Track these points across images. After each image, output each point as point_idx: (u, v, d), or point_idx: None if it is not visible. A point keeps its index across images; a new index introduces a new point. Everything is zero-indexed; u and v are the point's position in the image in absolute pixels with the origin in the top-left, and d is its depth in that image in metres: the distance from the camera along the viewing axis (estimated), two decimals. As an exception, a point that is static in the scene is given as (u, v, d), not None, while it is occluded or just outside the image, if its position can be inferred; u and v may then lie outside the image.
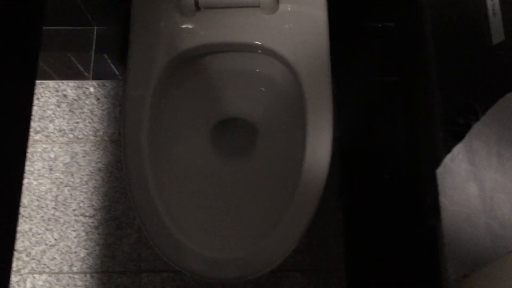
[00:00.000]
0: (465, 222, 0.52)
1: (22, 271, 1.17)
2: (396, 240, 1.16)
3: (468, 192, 0.51)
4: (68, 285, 1.16)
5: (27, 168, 1.23)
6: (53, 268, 1.17)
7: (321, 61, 0.90)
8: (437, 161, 0.59)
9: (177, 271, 1.16)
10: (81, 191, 1.22)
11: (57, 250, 1.19)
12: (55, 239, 1.19)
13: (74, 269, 1.17)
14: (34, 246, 1.19)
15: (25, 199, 1.21)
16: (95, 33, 1.33)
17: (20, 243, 1.18)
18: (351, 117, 1.24)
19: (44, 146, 1.25)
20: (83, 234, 1.20)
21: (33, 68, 0.93)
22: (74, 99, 1.29)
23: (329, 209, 1.19)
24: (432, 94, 0.62)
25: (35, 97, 1.27)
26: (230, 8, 0.91)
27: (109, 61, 1.33)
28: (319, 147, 0.86)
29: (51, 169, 1.24)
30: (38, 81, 1.29)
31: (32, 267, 1.17)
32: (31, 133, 1.25)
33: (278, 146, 1.02)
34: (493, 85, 0.52)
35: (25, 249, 1.18)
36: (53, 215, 1.21)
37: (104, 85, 1.30)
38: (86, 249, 1.19)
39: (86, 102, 1.28)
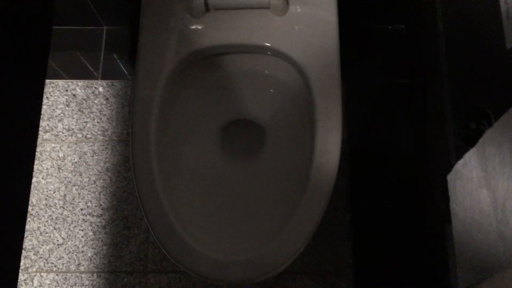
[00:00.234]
0: (477, 229, 0.52)
1: (30, 270, 1.17)
2: (405, 244, 1.15)
3: (480, 199, 0.50)
4: (75, 284, 1.16)
5: (35, 167, 1.24)
6: (60, 267, 1.18)
7: (331, 63, 0.89)
8: (448, 166, 0.58)
9: (183, 272, 1.16)
10: (89, 191, 1.23)
11: (65, 249, 1.19)
12: (63, 238, 1.20)
13: (81, 268, 1.18)
14: (42, 244, 1.19)
15: (33, 198, 1.22)
16: (104, 32, 1.33)
17: (28, 242, 1.19)
18: (360, 119, 1.23)
19: (53, 145, 1.26)
20: (90, 233, 1.20)
21: (43, 67, 0.93)
22: (83, 99, 1.29)
23: (337, 212, 1.18)
24: (443, 97, 0.61)
25: (44, 96, 1.28)
26: (239, 9, 0.91)
27: (118, 60, 1.33)
28: (328, 150, 0.85)
29: (59, 168, 1.24)
30: (47, 80, 1.29)
31: (39, 265, 1.18)
32: (40, 132, 1.25)
33: (286, 148, 1.01)
34: (507, 90, 0.51)
35: (32, 248, 1.19)
36: (61, 214, 1.21)
37: (113, 85, 1.30)
38: (94, 248, 1.19)
39: (95, 101, 1.29)
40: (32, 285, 1.16)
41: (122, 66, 1.33)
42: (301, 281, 1.16)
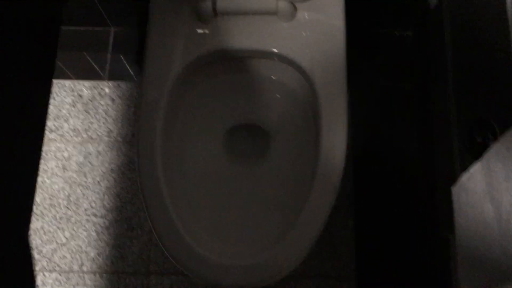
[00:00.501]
0: (480, 242, 0.52)
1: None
2: (408, 250, 1.15)
3: (484, 212, 0.50)
4: (77, 284, 1.17)
5: (40, 166, 1.24)
6: (63, 266, 1.18)
7: (337, 70, 0.89)
8: (453, 176, 0.58)
9: (186, 274, 1.16)
10: (93, 191, 1.23)
11: (68, 249, 1.19)
12: (66, 238, 1.20)
13: (84, 268, 1.18)
14: (45, 244, 1.20)
15: (37, 197, 1.22)
16: (112, 33, 1.34)
17: (32, 241, 1.20)
18: (365, 125, 1.23)
19: (58, 145, 1.26)
20: (94, 234, 1.20)
21: (50, 67, 0.94)
22: (89, 99, 1.29)
23: (340, 216, 1.19)
24: (449, 107, 0.61)
25: (51, 96, 1.29)
26: (247, 15, 0.91)
27: (125, 62, 1.33)
28: (333, 155, 0.85)
29: (64, 168, 1.25)
30: (54, 80, 1.30)
31: (42, 265, 1.18)
32: (46, 132, 1.26)
33: (291, 153, 1.02)
34: (513, 104, 0.51)
35: (36, 247, 1.20)
36: (65, 214, 1.22)
37: (119, 86, 1.31)
38: (97, 249, 1.19)
39: (101, 102, 1.29)
40: (35, 284, 1.17)
41: (128, 67, 1.33)
42: (304, 285, 1.16)
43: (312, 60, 0.90)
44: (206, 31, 0.92)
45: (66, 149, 1.26)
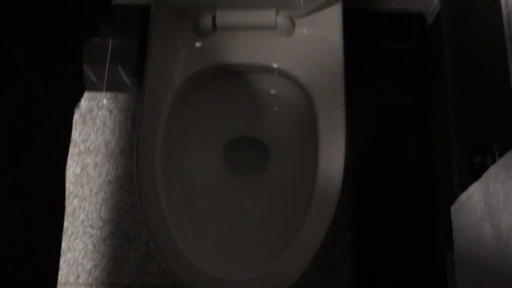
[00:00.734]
0: (479, 262, 0.52)
1: (29, 281, 1.17)
2: (406, 265, 1.15)
3: (483, 232, 0.51)
4: (73, 296, 1.16)
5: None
6: (59, 278, 1.17)
7: (336, 85, 0.90)
8: (452, 196, 0.59)
9: (183, 287, 1.16)
10: (90, 203, 1.23)
11: (64, 260, 1.19)
12: (63, 250, 1.19)
13: (80, 280, 1.18)
14: (42, 256, 1.19)
15: (34, 209, 1.22)
16: (110, 45, 1.34)
17: (28, 253, 1.19)
18: (364, 140, 1.23)
19: (56, 156, 1.26)
20: (90, 245, 1.20)
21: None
22: (87, 110, 1.29)
23: (338, 230, 1.19)
24: (450, 128, 0.62)
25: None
26: (247, 29, 0.92)
27: (122, 73, 1.33)
28: (331, 170, 0.86)
29: (61, 180, 1.24)
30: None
31: (38, 277, 1.18)
32: (43, 143, 1.26)
33: (289, 167, 1.02)
34: (510, 126, 0.52)
35: (32, 259, 1.19)
36: (62, 225, 1.21)
37: (117, 97, 1.31)
38: (93, 261, 1.19)
39: (99, 113, 1.29)
40: (31, 297, 1.16)
41: (126, 79, 1.33)
42: (300, 299, 1.16)
43: (311, 74, 0.90)
44: (206, 46, 0.92)
45: (63, 161, 1.25)
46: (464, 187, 0.55)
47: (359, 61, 1.24)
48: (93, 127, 1.28)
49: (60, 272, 1.18)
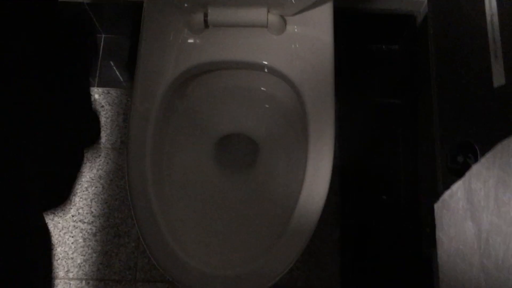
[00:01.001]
0: (461, 259, 0.53)
1: (18, 275, 1.18)
2: (393, 262, 1.17)
3: (465, 230, 0.52)
4: (63, 290, 1.17)
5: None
6: (49, 273, 1.18)
7: (326, 83, 0.91)
8: (436, 194, 0.60)
9: (172, 282, 1.16)
10: (81, 197, 1.23)
11: (54, 255, 1.19)
12: (53, 244, 1.20)
13: (70, 275, 1.18)
14: (32, 250, 1.19)
15: (25, 203, 1.22)
16: (102, 40, 1.34)
17: (18, 247, 1.19)
18: (352, 137, 1.25)
19: (47, 150, 1.26)
20: (80, 240, 1.20)
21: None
22: (79, 106, 1.30)
23: (326, 228, 1.20)
24: (434, 127, 0.63)
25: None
26: (238, 27, 0.92)
27: (115, 68, 1.34)
28: (320, 168, 0.87)
29: (52, 174, 1.24)
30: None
31: (28, 271, 1.18)
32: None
33: (279, 163, 1.03)
34: (493, 126, 0.53)
35: (22, 253, 1.19)
36: (52, 220, 1.21)
37: (109, 92, 1.31)
38: (83, 255, 1.19)
39: (91, 109, 1.29)
40: (20, 290, 1.16)
41: (118, 74, 1.34)
42: (289, 295, 1.17)
43: (301, 72, 0.91)
44: (198, 42, 0.93)
45: (54, 155, 1.26)
46: (447, 186, 0.56)
47: (350, 61, 1.25)
48: (84, 122, 1.28)
49: (49, 266, 1.18)
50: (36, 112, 0.77)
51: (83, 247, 1.20)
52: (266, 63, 0.93)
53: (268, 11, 0.88)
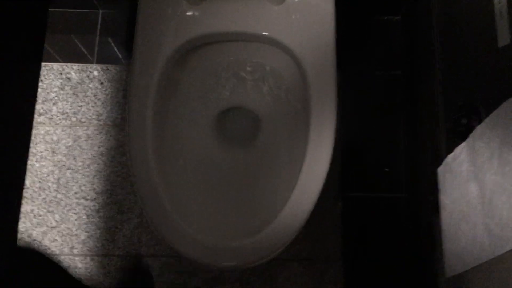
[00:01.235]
0: (464, 220, 0.53)
1: (23, 252, 1.19)
2: (393, 232, 1.17)
3: (468, 191, 0.52)
4: (69, 267, 1.18)
5: (29, 150, 1.24)
6: (54, 249, 1.19)
7: (327, 53, 0.90)
8: (439, 159, 0.60)
9: (176, 256, 1.17)
10: (83, 175, 1.23)
11: (58, 232, 1.20)
12: (56, 221, 1.20)
13: (75, 251, 1.19)
14: (36, 227, 1.20)
15: (27, 181, 1.22)
16: (100, 16, 1.33)
17: (22, 224, 1.20)
18: (353, 109, 1.24)
19: (47, 128, 1.26)
20: (84, 217, 1.21)
21: (39, 50, 0.94)
22: (78, 82, 1.29)
23: (328, 200, 1.20)
24: (436, 91, 0.62)
25: (39, 79, 1.28)
26: (237, -2, 0.91)
27: (113, 44, 1.32)
28: (323, 137, 0.86)
29: (53, 152, 1.24)
30: (42, 63, 1.29)
31: (33, 247, 1.19)
32: (34, 115, 1.25)
33: (281, 136, 1.02)
34: (498, 87, 0.53)
35: (26, 230, 1.20)
36: (55, 197, 1.22)
37: (108, 69, 1.30)
38: (87, 232, 1.20)
39: (90, 85, 1.29)
40: (26, 267, 1.18)
41: (117, 50, 1.32)
42: (291, 268, 1.18)
43: (302, 43, 0.90)
44: (196, 14, 0.92)
45: (55, 133, 1.25)
46: (450, 150, 0.56)
47: (350, 32, 1.23)
48: (84, 99, 1.28)
49: (54, 243, 1.19)
50: None
51: (86, 224, 1.20)
52: (266, 34, 0.91)
53: (268, -20, 0.87)
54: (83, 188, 1.22)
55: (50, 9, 1.29)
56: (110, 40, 1.32)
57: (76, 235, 1.20)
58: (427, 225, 0.90)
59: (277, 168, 0.99)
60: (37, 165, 1.23)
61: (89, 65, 1.30)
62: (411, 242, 1.14)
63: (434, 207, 0.75)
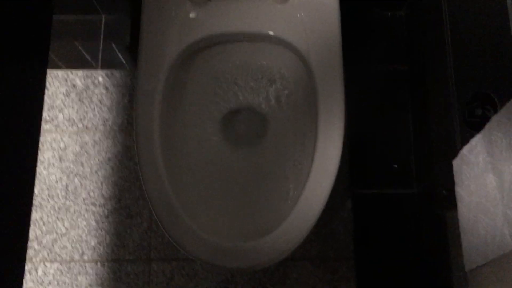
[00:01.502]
0: (482, 212, 0.53)
1: (34, 259, 1.18)
2: (405, 229, 1.16)
3: (486, 182, 0.51)
4: (79, 273, 1.17)
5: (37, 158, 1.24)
6: (64, 256, 1.18)
7: (333, 50, 0.90)
8: (453, 152, 0.59)
9: (186, 259, 1.17)
10: (91, 181, 1.23)
11: (68, 238, 1.20)
12: (66, 228, 1.20)
13: (85, 257, 1.18)
14: (45, 234, 1.20)
15: (35, 188, 1.22)
16: (103, 21, 1.33)
17: (31, 232, 1.20)
18: (360, 106, 1.24)
19: (54, 135, 1.26)
20: (93, 223, 1.20)
21: (44, 57, 0.94)
22: (83, 89, 1.29)
23: (339, 198, 1.20)
24: (448, 83, 0.62)
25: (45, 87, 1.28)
26: (241, -3, 0.91)
27: (116, 50, 1.32)
28: (331, 138, 0.86)
29: (61, 159, 1.24)
30: (47, 71, 1.29)
31: (43, 255, 1.18)
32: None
33: (289, 135, 1.02)
34: (511, 76, 0.52)
35: (36, 238, 1.19)
36: (64, 204, 1.22)
37: (112, 74, 1.30)
38: (97, 237, 1.20)
39: (95, 91, 1.29)
40: (37, 275, 1.17)
41: (120, 56, 1.32)
42: (303, 267, 1.17)
43: (307, 41, 0.90)
44: (201, 16, 0.92)
45: (62, 139, 1.25)
46: (464, 141, 0.56)
47: (355, 29, 1.23)
48: (90, 105, 1.27)
49: (64, 250, 1.19)
50: None
51: (96, 230, 1.20)
52: (271, 33, 0.91)
53: (271, -21, 0.87)
54: (91, 194, 1.22)
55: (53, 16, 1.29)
56: (113, 45, 1.32)
57: (86, 241, 1.19)
58: (440, 220, 0.90)
59: (286, 167, 0.99)
60: (45, 172, 1.23)
61: (93, 71, 1.30)
62: (423, 238, 1.13)
63: (448, 201, 0.74)
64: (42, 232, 1.20)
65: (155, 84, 0.89)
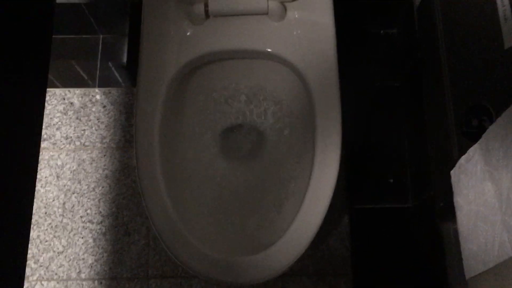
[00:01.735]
0: (482, 220, 0.54)
1: (30, 278, 1.17)
2: (403, 243, 1.17)
3: (484, 191, 0.53)
4: (76, 292, 1.16)
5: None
6: (61, 275, 1.18)
7: (329, 67, 0.92)
8: (451, 163, 0.60)
9: (184, 276, 1.16)
10: (89, 198, 1.23)
11: (65, 257, 1.19)
12: (63, 246, 1.20)
13: (82, 275, 1.18)
14: (42, 253, 1.19)
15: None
16: (100, 41, 1.34)
17: (28, 250, 1.19)
18: (356, 122, 1.25)
19: (51, 153, 1.26)
20: (90, 240, 1.20)
21: (44, 77, 0.95)
22: (81, 107, 1.30)
23: (336, 213, 1.20)
24: (444, 97, 0.64)
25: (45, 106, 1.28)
26: (238, 15, 0.93)
27: (113, 69, 1.34)
28: (329, 153, 0.87)
29: (58, 176, 1.24)
30: (44, 89, 1.29)
31: (40, 274, 1.18)
32: (38, 141, 1.25)
33: (287, 151, 1.03)
34: (507, 87, 0.54)
35: (33, 256, 1.19)
36: (61, 222, 1.21)
37: (110, 92, 1.31)
38: (94, 255, 1.19)
39: (93, 109, 1.29)
40: (33, 294, 1.16)
41: (117, 74, 1.34)
42: (301, 283, 1.17)
43: (304, 57, 0.92)
44: (199, 33, 0.93)
45: (59, 157, 1.25)
46: (462, 152, 0.57)
47: (349, 47, 1.25)
48: (87, 123, 1.28)
49: (61, 269, 1.18)
50: None
51: (93, 247, 1.20)
52: (269, 50, 0.93)
53: (268, -2, 0.89)
54: (88, 211, 1.22)
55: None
56: (110, 64, 1.33)
57: (83, 259, 1.19)
58: (437, 232, 0.91)
59: (284, 182, 1.00)
60: (42, 190, 1.23)
61: (91, 89, 1.31)
62: (420, 252, 1.14)
63: (446, 212, 0.75)
64: (39, 251, 1.19)
65: (154, 101, 0.90)
